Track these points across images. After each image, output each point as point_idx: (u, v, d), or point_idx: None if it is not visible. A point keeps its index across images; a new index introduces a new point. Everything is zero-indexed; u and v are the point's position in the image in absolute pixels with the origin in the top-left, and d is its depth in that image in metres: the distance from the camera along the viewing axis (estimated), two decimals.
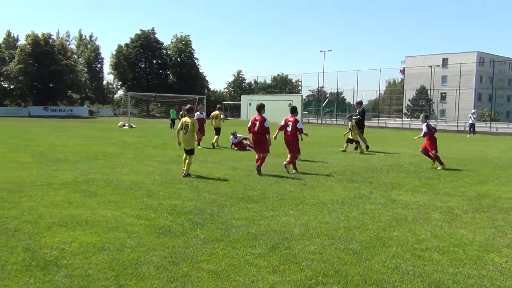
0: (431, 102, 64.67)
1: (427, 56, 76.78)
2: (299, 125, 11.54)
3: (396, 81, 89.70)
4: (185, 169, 10.38)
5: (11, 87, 62.09)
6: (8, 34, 68.17)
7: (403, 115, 64.69)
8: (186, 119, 10.74)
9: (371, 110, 72.45)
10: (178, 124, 11.16)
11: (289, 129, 11.49)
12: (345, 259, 4.97)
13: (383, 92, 71.31)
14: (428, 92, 65.28)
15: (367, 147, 17.37)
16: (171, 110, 33.89)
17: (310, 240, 5.61)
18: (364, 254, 5.15)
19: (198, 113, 18.00)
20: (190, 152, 10.54)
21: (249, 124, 11.48)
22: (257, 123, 11.20)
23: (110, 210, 6.87)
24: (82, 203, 7.35)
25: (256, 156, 11.36)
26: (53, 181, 9.28)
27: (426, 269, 4.73)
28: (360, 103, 19.93)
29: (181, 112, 23.91)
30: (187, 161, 10.44)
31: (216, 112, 19.11)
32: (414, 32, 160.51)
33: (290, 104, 51.71)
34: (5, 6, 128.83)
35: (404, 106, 70.93)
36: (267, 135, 11.17)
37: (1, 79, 61.18)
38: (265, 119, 11.17)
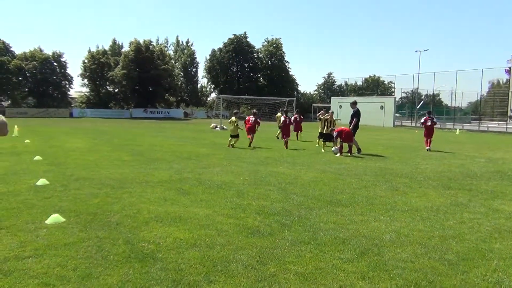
0: None
1: None
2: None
3: (501, 81, 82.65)
4: (233, 143, 18.04)
5: (116, 90, 67.30)
6: (114, 42, 73.42)
7: (508, 119, 59.56)
8: (233, 118, 18.36)
9: (471, 113, 67.80)
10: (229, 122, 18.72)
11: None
12: (439, 270, 4.70)
13: (485, 94, 66.12)
14: None
15: (358, 149, 16.60)
16: (278, 114, 35.66)
17: (401, 248, 5.39)
18: (461, 266, 4.84)
19: (252, 116, 19.52)
20: (236, 136, 18.14)
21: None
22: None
23: (201, 208, 7.16)
24: (176, 200, 7.73)
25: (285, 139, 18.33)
26: (151, 179, 9.87)
27: None
28: (355, 103, 17.60)
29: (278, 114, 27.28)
30: (233, 140, 18.08)
31: (279, 114, 24.23)
32: None
33: (382, 106, 50.00)
34: (112, 16, 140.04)
35: (509, 109, 65.20)
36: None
37: (107, 83, 66.53)
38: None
